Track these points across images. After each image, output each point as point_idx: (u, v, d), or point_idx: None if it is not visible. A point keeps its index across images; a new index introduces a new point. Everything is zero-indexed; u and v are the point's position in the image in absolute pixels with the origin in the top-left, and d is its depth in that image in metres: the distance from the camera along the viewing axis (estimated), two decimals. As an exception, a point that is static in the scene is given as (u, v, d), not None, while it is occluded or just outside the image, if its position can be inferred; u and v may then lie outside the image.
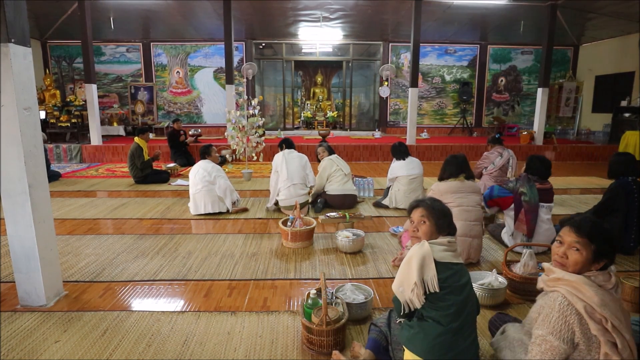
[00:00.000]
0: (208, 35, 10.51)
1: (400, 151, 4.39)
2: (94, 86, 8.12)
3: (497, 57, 11.26)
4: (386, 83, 10.86)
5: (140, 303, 2.42)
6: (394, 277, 1.69)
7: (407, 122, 8.72)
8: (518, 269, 2.50)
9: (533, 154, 3.24)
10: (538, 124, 8.63)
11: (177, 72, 11.08)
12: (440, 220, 1.68)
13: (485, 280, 2.36)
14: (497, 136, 4.62)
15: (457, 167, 2.83)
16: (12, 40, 2.19)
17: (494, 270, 2.46)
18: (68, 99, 9.71)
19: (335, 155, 4.41)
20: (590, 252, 1.37)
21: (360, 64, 12.02)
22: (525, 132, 9.15)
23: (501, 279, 2.41)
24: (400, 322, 1.76)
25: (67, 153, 8.18)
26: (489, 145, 4.68)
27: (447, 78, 11.26)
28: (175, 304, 2.39)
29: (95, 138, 8.27)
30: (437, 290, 1.51)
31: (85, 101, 8.80)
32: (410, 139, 8.37)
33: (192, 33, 10.39)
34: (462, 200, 2.77)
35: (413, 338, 1.57)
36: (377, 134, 10.22)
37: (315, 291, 2.06)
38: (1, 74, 2.18)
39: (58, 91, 10.10)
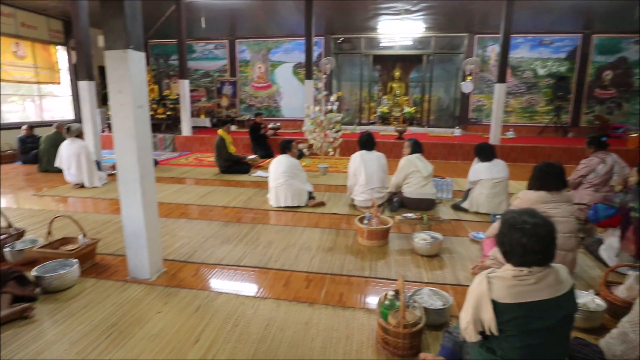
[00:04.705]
0: (289, 31, 10.84)
1: (486, 152, 4.13)
2: (187, 82, 8.90)
3: (604, 48, 9.98)
4: (470, 78, 10.27)
5: (227, 285, 2.63)
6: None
7: (490, 120, 8.18)
8: (621, 292, 2.25)
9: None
10: (651, 125, 7.52)
11: (259, 67, 11.63)
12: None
13: (579, 301, 2.16)
14: (602, 139, 4.06)
15: (554, 181, 2.58)
16: (130, 47, 2.49)
17: (590, 290, 2.24)
18: (164, 94, 10.75)
19: (417, 154, 4.28)
20: None
21: (442, 57, 11.50)
22: (635, 134, 8.03)
23: (599, 300, 2.19)
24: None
25: (162, 142, 9.08)
26: (589, 150, 4.16)
27: (540, 72, 10.29)
28: (258, 290, 2.56)
29: (186, 129, 9.07)
30: (495, 334, 1.37)
31: (178, 95, 9.66)
32: (494, 138, 7.84)
33: (274, 29, 10.80)
34: (555, 210, 2.55)
35: None
36: (457, 131, 9.73)
37: (393, 292, 2.07)
38: (121, 76, 2.50)
39: (157, 86, 11.22)
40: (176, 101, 10.21)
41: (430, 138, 8.79)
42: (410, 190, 4.17)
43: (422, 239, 3.09)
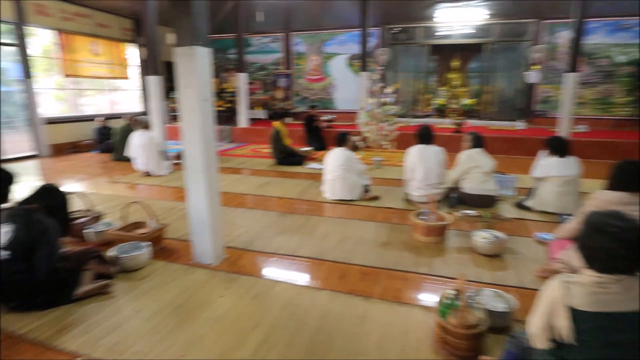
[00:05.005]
0: (343, 22, 10.75)
1: (561, 147, 3.80)
2: (244, 75, 9.17)
3: (699, 30, 8.81)
4: (536, 67, 9.56)
5: (284, 275, 2.71)
6: (537, 290, 1.50)
7: (559, 113, 7.57)
8: None
9: None
10: None
11: (313, 59, 11.69)
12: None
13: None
14: None
15: (637, 181, 2.32)
16: (198, 43, 2.61)
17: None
18: (223, 87, 11.19)
19: (478, 149, 4.09)
20: None
21: (505, 46, 10.77)
22: None
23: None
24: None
25: (220, 133, 9.48)
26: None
27: (619, 59, 9.32)
28: (314, 281, 2.61)
29: (243, 121, 9.39)
30: (571, 342, 1.29)
31: (236, 88, 10.00)
32: (564, 132, 7.25)
33: (329, 21, 10.78)
34: (636, 214, 2.31)
35: None
36: (520, 124, 9.14)
37: (453, 292, 2.01)
38: (189, 71, 2.63)
39: (217, 79, 11.68)
40: (233, 94, 10.58)
41: (491, 132, 8.31)
42: (470, 186, 3.99)
43: (483, 237, 2.96)
